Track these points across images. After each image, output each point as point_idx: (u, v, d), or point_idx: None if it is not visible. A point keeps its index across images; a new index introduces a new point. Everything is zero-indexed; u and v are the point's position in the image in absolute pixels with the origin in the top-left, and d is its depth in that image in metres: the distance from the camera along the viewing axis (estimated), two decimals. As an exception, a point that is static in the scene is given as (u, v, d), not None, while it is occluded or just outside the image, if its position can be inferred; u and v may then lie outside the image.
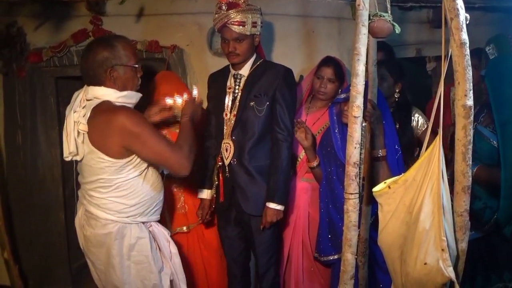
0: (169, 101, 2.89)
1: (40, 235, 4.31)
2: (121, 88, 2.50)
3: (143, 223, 2.58)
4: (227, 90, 3.14)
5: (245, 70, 3.10)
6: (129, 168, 2.49)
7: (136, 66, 2.55)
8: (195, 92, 2.86)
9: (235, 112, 3.08)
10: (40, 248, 4.32)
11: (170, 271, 2.64)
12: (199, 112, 2.84)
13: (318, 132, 3.32)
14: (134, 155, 2.48)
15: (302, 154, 3.31)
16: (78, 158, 2.55)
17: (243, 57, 3.05)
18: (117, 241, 2.50)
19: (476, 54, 3.27)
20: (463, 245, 1.83)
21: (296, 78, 3.56)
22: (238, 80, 3.11)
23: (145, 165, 2.54)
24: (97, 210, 2.52)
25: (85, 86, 2.57)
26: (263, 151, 3.07)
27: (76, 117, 2.49)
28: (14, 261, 3.96)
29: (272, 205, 3.01)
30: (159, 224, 2.70)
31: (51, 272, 4.38)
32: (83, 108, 2.49)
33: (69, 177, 4.44)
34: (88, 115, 2.44)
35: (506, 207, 2.68)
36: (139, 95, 2.60)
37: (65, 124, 2.56)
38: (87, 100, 2.51)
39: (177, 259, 2.70)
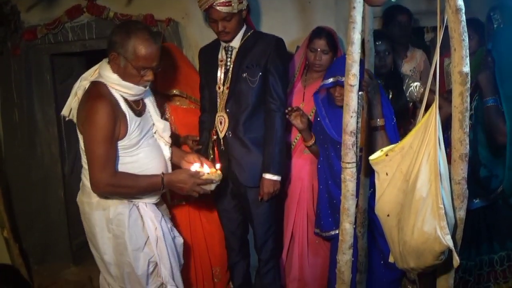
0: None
1: (39, 212, 4.33)
2: (121, 77, 2.48)
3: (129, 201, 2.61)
4: (219, 63, 3.12)
5: (236, 42, 3.07)
6: None
7: (141, 69, 2.46)
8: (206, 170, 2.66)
9: (228, 85, 3.06)
10: (40, 226, 4.35)
11: (152, 254, 2.63)
12: (187, 187, 2.60)
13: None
14: None
15: (298, 135, 3.29)
16: (74, 119, 2.61)
17: (234, 34, 3.03)
18: (98, 212, 2.56)
19: (471, 24, 3.22)
20: (461, 213, 1.81)
21: (293, 49, 3.53)
22: (229, 53, 3.09)
23: (122, 152, 2.53)
24: (85, 180, 2.58)
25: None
26: (258, 122, 3.06)
27: (78, 85, 2.56)
28: (14, 240, 3.98)
29: (268, 176, 3.02)
30: (148, 205, 2.67)
31: (52, 249, 4.42)
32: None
33: (67, 154, 4.44)
34: (87, 87, 2.50)
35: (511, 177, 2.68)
36: (140, 89, 2.53)
37: None
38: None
39: (162, 244, 2.67)
